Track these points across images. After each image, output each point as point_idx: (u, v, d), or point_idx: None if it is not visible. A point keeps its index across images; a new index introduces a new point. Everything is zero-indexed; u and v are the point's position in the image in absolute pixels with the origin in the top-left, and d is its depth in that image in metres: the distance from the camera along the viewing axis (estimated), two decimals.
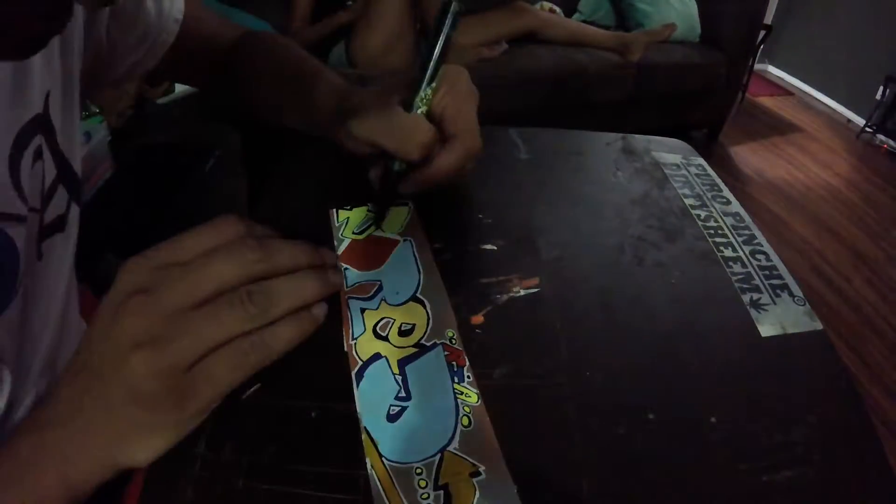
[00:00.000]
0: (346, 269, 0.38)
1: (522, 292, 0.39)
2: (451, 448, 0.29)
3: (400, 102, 0.37)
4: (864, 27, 2.83)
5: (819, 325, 0.39)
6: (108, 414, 0.25)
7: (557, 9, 2.32)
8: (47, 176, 0.33)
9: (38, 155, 0.32)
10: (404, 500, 0.27)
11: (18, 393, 0.34)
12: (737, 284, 0.42)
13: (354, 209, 0.43)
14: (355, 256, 0.39)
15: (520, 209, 0.48)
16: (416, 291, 0.37)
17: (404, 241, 0.41)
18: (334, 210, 0.43)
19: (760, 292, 0.41)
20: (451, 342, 0.34)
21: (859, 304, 1.72)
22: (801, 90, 3.28)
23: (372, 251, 0.40)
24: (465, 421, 0.30)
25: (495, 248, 0.43)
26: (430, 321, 0.35)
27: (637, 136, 0.61)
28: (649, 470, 0.30)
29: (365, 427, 0.30)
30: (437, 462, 0.28)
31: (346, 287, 0.37)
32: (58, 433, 0.26)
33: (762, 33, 2.51)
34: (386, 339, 0.34)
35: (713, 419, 0.32)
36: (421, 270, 0.38)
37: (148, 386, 0.25)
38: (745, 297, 0.41)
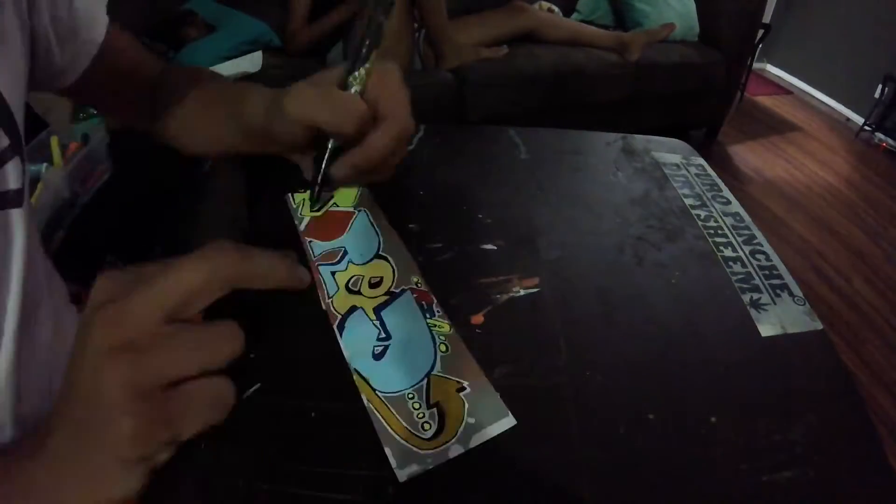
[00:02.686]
0: (310, 241, 0.41)
1: (522, 292, 0.39)
2: (434, 372, 0.33)
3: (338, 82, 0.37)
4: (863, 26, 2.83)
5: (819, 325, 0.39)
6: (82, 441, 0.24)
7: (556, 8, 2.32)
8: None
9: None
10: (403, 423, 0.30)
11: None
12: (737, 284, 0.42)
13: (307, 190, 0.46)
14: (317, 230, 0.42)
15: (520, 209, 0.48)
16: (378, 250, 0.40)
17: (359, 211, 0.44)
18: (290, 194, 0.46)
19: (760, 292, 0.41)
20: (416, 286, 0.38)
21: (859, 303, 1.72)
22: (799, 89, 3.29)
23: (332, 224, 0.43)
24: (443, 348, 0.34)
25: (495, 248, 0.43)
26: (396, 272, 0.38)
27: (637, 136, 0.61)
28: (649, 470, 0.30)
29: (355, 369, 0.33)
30: (425, 386, 0.32)
31: (314, 256, 0.40)
32: (32, 467, 0.25)
33: (761, 32, 2.51)
34: (358, 292, 0.37)
35: (713, 419, 0.32)
36: (379, 233, 0.42)
37: (120, 398, 0.23)
38: (745, 297, 0.41)
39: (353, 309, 0.36)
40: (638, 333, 0.37)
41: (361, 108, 0.35)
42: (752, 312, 0.39)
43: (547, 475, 0.29)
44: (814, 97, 3.19)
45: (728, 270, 0.43)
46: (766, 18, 2.83)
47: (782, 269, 0.44)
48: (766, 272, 0.43)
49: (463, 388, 0.32)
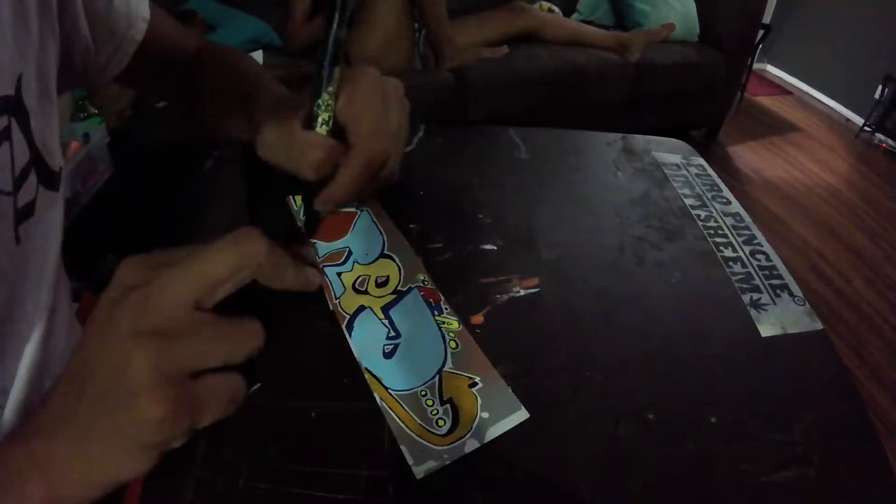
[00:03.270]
0: (314, 242, 0.41)
1: (522, 292, 0.39)
2: (446, 368, 0.33)
3: (303, 115, 0.35)
4: (863, 26, 2.83)
5: (819, 325, 0.39)
6: (100, 421, 0.24)
7: (556, 8, 2.32)
8: (18, 159, 0.33)
9: (5, 135, 0.31)
10: (418, 420, 0.30)
11: (3, 378, 0.34)
12: (737, 284, 0.42)
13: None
14: (321, 232, 0.42)
15: (520, 209, 0.48)
16: (383, 250, 0.40)
17: (361, 211, 0.44)
18: (291, 197, 0.46)
19: (760, 292, 0.41)
20: (423, 284, 0.38)
21: (859, 304, 1.72)
22: (799, 89, 3.28)
23: (335, 225, 0.43)
24: (453, 344, 0.34)
25: (495, 248, 0.43)
26: (402, 271, 0.38)
27: (637, 136, 0.61)
28: (649, 470, 0.30)
29: (366, 368, 0.33)
30: (437, 382, 0.32)
31: (318, 258, 0.40)
32: (45, 443, 0.24)
33: (761, 33, 2.51)
34: (366, 292, 0.37)
35: (713, 419, 0.32)
36: (383, 233, 0.42)
37: (149, 383, 0.22)
38: (745, 297, 0.41)
39: (360, 309, 0.36)
40: (638, 333, 0.37)
41: (318, 155, 0.34)
42: (752, 312, 0.39)
43: (547, 475, 0.29)
44: (814, 97, 3.19)
45: (728, 270, 0.43)
46: (767, 18, 2.83)
47: (782, 269, 0.44)
48: (766, 272, 0.43)
49: (475, 384, 0.32)
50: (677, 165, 0.56)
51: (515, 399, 0.31)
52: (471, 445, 0.29)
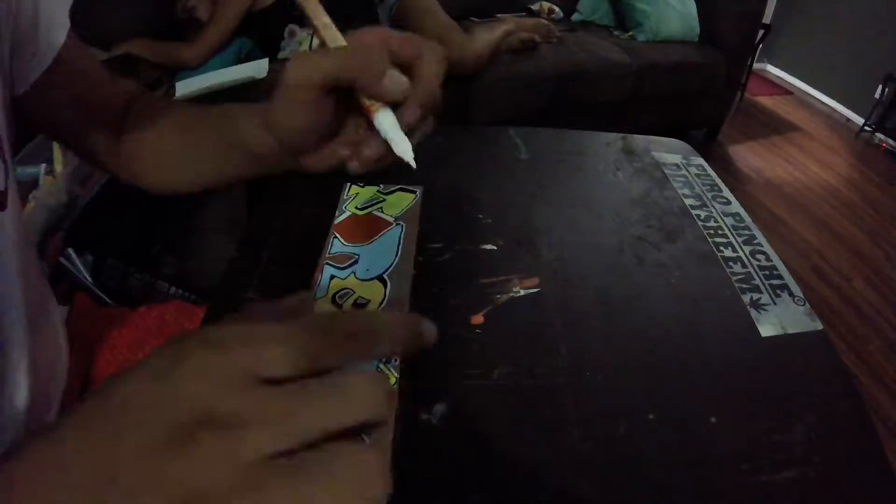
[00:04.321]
0: (334, 237, 0.41)
1: (522, 292, 0.39)
2: None
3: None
4: (863, 26, 2.83)
5: (819, 325, 0.39)
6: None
7: (557, 8, 2.32)
8: None
9: None
10: None
11: None
12: (737, 284, 0.42)
13: (367, 187, 0.47)
14: (348, 229, 0.42)
15: (520, 209, 0.48)
16: (384, 272, 0.39)
17: (397, 224, 0.43)
18: (348, 184, 0.47)
19: (760, 292, 0.41)
20: None
21: (859, 304, 1.72)
22: (800, 89, 3.28)
23: (364, 227, 0.43)
24: None
25: (495, 248, 0.43)
26: (385, 301, 0.37)
27: (637, 136, 0.61)
28: (649, 470, 0.30)
29: None
30: None
31: (329, 254, 0.40)
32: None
33: (761, 33, 2.51)
34: (340, 307, 0.36)
35: (713, 419, 0.32)
36: (398, 255, 0.41)
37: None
38: (745, 297, 0.41)
39: None
40: (638, 333, 0.37)
41: (374, 40, 0.30)
42: (752, 312, 0.39)
43: (547, 475, 0.29)
44: (814, 97, 3.19)
45: (728, 270, 0.43)
46: (767, 18, 2.83)
47: (782, 269, 0.44)
48: (767, 272, 0.43)
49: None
50: (677, 165, 0.56)
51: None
52: None
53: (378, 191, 0.47)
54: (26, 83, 0.38)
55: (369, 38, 0.31)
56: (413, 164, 0.33)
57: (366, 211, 0.44)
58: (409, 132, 0.32)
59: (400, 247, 0.41)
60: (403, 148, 0.33)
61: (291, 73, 0.30)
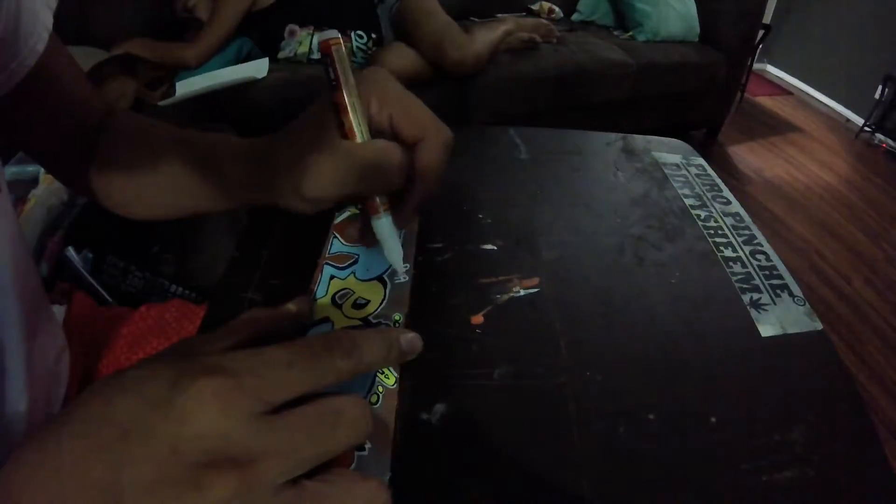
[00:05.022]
0: (334, 237, 0.41)
1: (522, 292, 0.39)
2: None
3: (338, 128, 0.30)
4: (863, 26, 2.83)
5: (819, 325, 0.39)
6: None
7: (557, 8, 2.32)
8: None
9: None
10: None
11: None
12: (737, 284, 0.42)
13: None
14: (348, 228, 0.42)
15: (520, 209, 0.48)
16: (384, 273, 0.38)
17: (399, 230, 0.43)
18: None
19: (760, 292, 0.41)
20: (394, 324, 0.35)
21: (859, 304, 1.72)
22: (799, 90, 3.29)
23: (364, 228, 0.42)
24: (374, 398, 0.31)
25: (495, 248, 0.43)
26: (385, 301, 0.36)
27: (637, 136, 0.61)
28: (649, 470, 0.30)
29: None
30: None
31: (329, 254, 0.40)
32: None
33: (761, 33, 2.51)
34: (340, 307, 0.36)
35: (713, 419, 0.32)
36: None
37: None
38: (745, 297, 0.41)
39: (325, 320, 0.35)
40: (638, 333, 0.37)
41: (397, 155, 0.30)
42: (752, 312, 0.39)
43: (547, 475, 0.29)
44: (814, 98, 3.20)
45: (728, 270, 0.43)
46: (767, 19, 2.83)
47: (782, 269, 0.44)
48: (766, 272, 0.43)
49: (361, 448, 0.28)
50: (677, 165, 0.56)
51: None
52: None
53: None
54: (4, 88, 0.35)
55: (382, 149, 0.30)
56: (403, 276, 0.35)
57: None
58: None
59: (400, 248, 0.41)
60: (395, 258, 0.34)
61: (309, 187, 0.30)
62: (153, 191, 0.40)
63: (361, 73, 0.32)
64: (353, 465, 0.27)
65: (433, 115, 0.33)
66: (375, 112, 0.31)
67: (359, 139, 0.30)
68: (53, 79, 0.38)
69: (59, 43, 0.39)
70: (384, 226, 0.33)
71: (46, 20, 0.36)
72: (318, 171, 0.30)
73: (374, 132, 0.31)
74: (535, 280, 0.40)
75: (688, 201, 0.51)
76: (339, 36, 0.30)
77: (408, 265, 0.35)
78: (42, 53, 0.35)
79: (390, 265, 0.37)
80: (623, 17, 2.33)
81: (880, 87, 2.68)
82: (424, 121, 0.32)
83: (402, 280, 0.36)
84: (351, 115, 0.30)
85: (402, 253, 0.34)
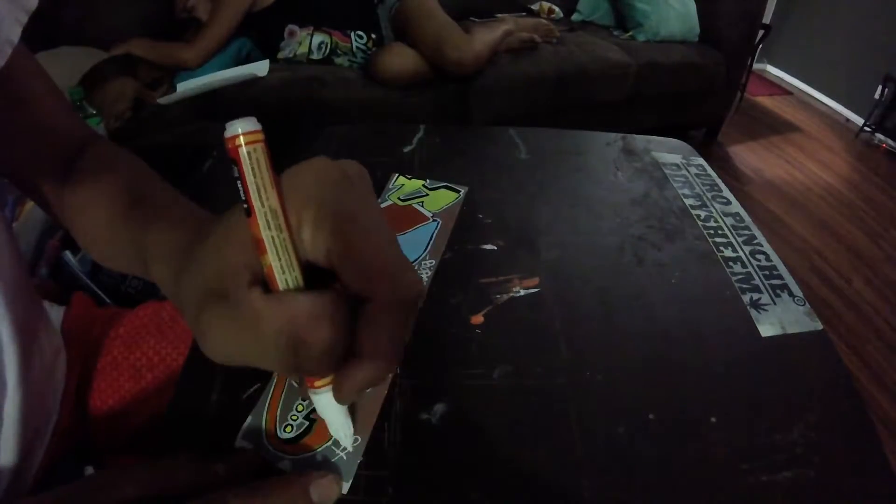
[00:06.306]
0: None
1: (522, 292, 0.39)
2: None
3: (242, 281, 0.21)
4: (863, 26, 2.83)
5: (819, 325, 0.39)
6: None
7: (557, 8, 2.32)
8: None
9: None
10: (278, 414, 0.30)
11: None
12: (737, 284, 0.42)
13: (413, 179, 0.49)
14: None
15: (520, 209, 0.48)
16: None
17: (433, 220, 0.44)
18: (395, 174, 0.49)
19: (760, 292, 0.41)
20: None
21: (859, 304, 1.72)
22: (799, 90, 3.29)
23: (399, 219, 0.44)
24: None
25: (495, 248, 0.43)
26: None
27: (637, 136, 0.61)
28: (649, 470, 0.30)
29: None
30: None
31: None
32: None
33: (761, 33, 2.51)
34: None
35: (713, 419, 0.32)
36: (427, 250, 0.41)
37: None
38: (745, 297, 0.41)
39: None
40: (638, 333, 0.37)
41: (324, 330, 0.20)
42: (752, 312, 0.39)
43: (547, 475, 0.29)
44: (814, 97, 3.19)
45: (728, 270, 0.43)
46: (767, 19, 2.83)
47: (782, 269, 0.44)
48: (766, 272, 0.43)
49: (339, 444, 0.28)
50: (677, 165, 0.56)
51: (353, 472, 0.28)
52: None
53: (423, 185, 0.48)
54: None
55: (300, 317, 0.20)
56: (349, 448, 0.28)
57: (407, 203, 0.46)
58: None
59: (431, 242, 0.42)
60: (340, 435, 0.27)
61: (206, 347, 0.22)
62: (106, 249, 0.36)
63: (292, 176, 0.22)
64: (328, 441, 0.28)
65: (394, 255, 0.22)
66: (308, 240, 0.22)
67: (280, 287, 0.21)
68: (20, 101, 0.35)
69: (36, 65, 0.36)
70: (322, 402, 0.25)
71: (11, 34, 0.30)
72: (214, 335, 0.21)
73: (312, 266, 0.22)
74: (535, 280, 0.40)
75: (688, 201, 0.51)
76: (256, 126, 0.20)
77: (358, 438, 0.29)
78: (3, 69, 0.30)
79: (422, 255, 0.38)
80: (623, 17, 2.33)
81: (880, 87, 2.68)
82: (375, 266, 0.21)
83: (349, 450, 0.29)
84: (269, 253, 0.21)
85: (350, 427, 0.28)
